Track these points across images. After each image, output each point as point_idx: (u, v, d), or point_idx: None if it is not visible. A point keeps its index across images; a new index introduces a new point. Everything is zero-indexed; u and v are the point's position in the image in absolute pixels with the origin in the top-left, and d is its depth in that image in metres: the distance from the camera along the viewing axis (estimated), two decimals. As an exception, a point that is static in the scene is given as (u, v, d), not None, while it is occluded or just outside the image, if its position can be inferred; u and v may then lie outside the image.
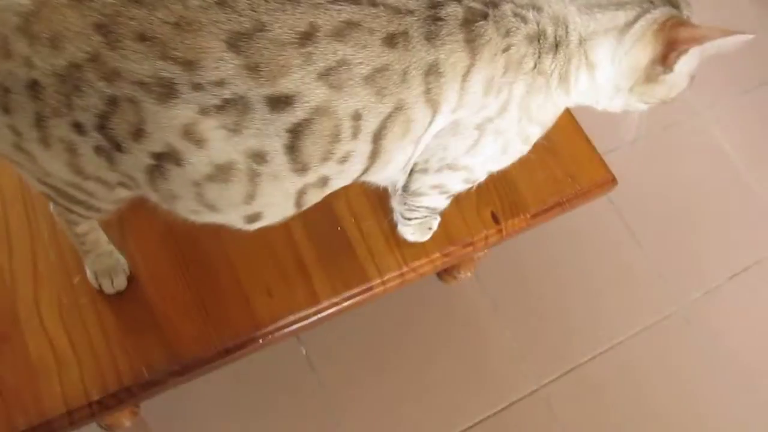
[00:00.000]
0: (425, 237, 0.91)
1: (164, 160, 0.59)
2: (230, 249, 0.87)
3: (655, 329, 1.59)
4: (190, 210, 0.66)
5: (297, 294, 0.86)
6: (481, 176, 0.78)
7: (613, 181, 1.02)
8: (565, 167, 0.96)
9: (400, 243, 0.91)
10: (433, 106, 0.64)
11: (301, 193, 0.65)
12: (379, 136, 0.63)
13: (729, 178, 1.76)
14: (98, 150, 0.59)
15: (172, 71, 0.54)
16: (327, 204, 0.90)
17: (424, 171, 0.74)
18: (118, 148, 0.58)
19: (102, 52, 0.54)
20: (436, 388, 1.38)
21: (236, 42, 0.54)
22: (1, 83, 0.56)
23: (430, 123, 0.66)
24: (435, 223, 0.92)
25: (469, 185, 0.80)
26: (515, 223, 0.96)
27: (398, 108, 0.62)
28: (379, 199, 0.93)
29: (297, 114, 0.58)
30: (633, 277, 1.61)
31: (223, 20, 0.54)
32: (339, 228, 0.91)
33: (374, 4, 0.59)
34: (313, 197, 0.68)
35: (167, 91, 0.55)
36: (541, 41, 0.66)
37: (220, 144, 0.58)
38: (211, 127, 0.56)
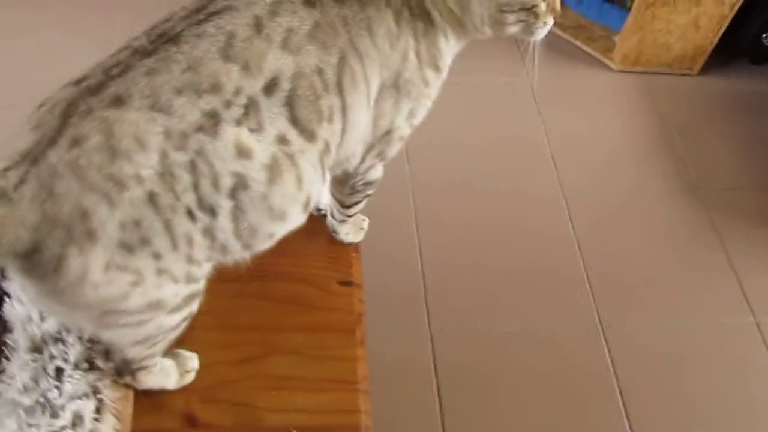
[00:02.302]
0: (359, 237, 1.03)
1: (237, 192, 0.67)
2: None
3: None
4: (267, 235, 0.74)
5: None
6: (407, 131, 0.86)
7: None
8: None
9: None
10: (361, 57, 0.74)
11: (321, 162, 0.74)
12: (341, 87, 0.73)
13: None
14: (204, 232, 0.68)
15: (209, 101, 0.64)
16: None
17: (371, 145, 0.84)
18: (213, 212, 0.67)
19: (167, 125, 0.63)
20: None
21: (226, 54, 0.66)
22: (132, 219, 0.62)
23: (367, 79, 0.76)
24: (365, 223, 1.03)
25: (402, 143, 0.88)
26: (355, 269, 1.01)
27: (342, 58, 0.72)
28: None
29: (284, 87, 0.68)
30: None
31: (209, 45, 0.66)
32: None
33: None
34: (327, 162, 0.77)
35: (214, 121, 0.65)
36: None
37: (258, 146, 0.67)
38: (247, 135, 0.66)
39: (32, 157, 0.60)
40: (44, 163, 0.59)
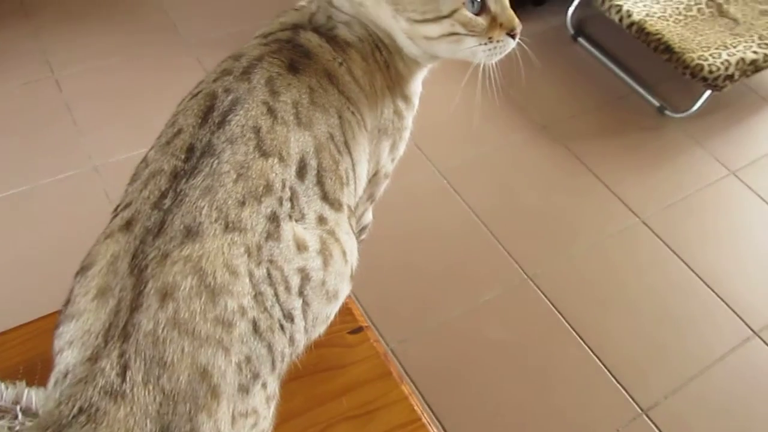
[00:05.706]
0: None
1: (303, 288, 0.63)
2: None
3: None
4: (324, 319, 0.69)
5: None
6: (390, 168, 0.83)
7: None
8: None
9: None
10: (352, 103, 0.70)
11: (351, 227, 0.71)
12: (348, 145, 0.69)
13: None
14: (290, 341, 0.62)
15: (268, 204, 0.59)
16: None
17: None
18: (292, 318, 0.62)
19: (245, 242, 0.57)
20: None
21: (263, 150, 0.61)
22: (245, 357, 0.55)
23: (364, 125, 0.72)
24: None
25: (388, 180, 0.85)
26: (357, 314, 0.98)
27: (339, 115, 0.68)
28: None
29: (312, 165, 0.64)
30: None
31: (245, 147, 0.60)
32: None
33: (260, 59, 0.67)
34: (353, 225, 0.73)
35: (276, 223, 0.60)
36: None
37: (307, 234, 0.63)
38: (297, 227, 0.62)
39: (119, 333, 0.51)
40: (139, 334, 0.51)
